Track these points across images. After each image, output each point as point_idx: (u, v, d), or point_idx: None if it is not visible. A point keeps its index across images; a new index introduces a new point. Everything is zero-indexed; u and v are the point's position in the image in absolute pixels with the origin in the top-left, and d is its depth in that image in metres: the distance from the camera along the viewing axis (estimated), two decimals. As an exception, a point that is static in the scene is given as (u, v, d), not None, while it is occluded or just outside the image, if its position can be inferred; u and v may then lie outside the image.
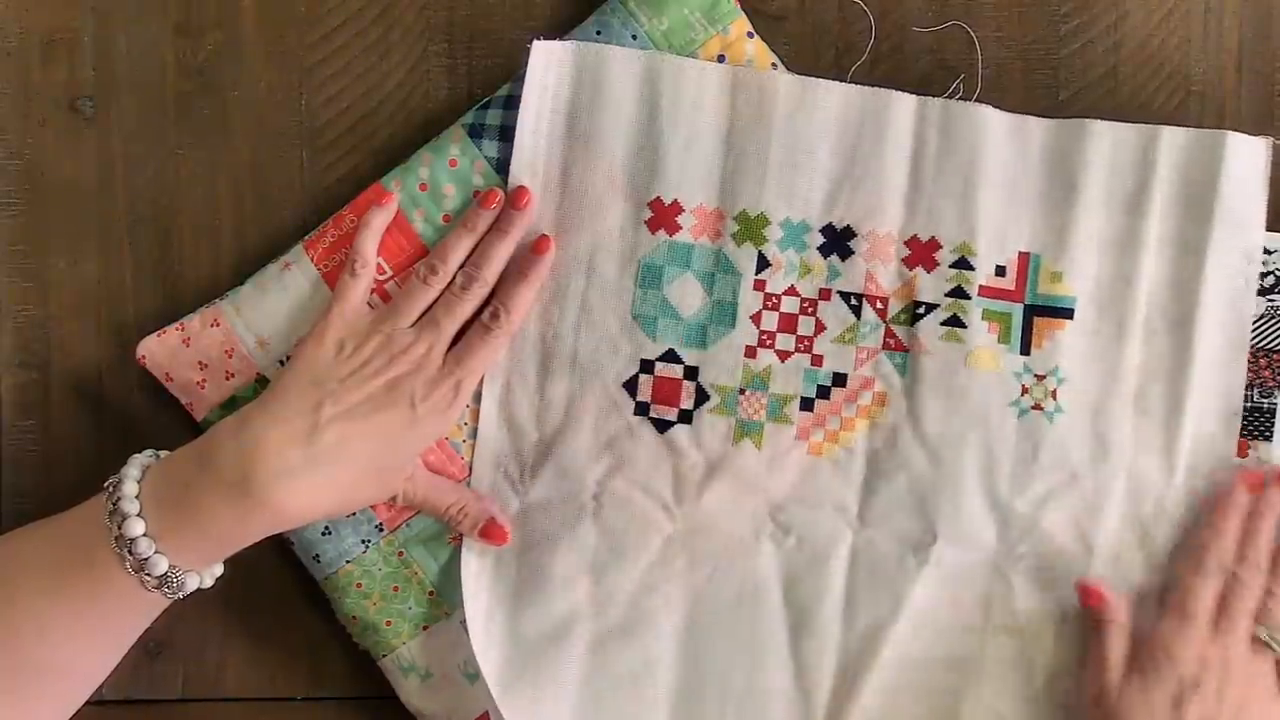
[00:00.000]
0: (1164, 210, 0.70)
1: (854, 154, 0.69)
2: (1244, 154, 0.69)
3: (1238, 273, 0.70)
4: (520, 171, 0.69)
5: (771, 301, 0.69)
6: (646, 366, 0.69)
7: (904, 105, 0.69)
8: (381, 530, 0.70)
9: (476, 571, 0.69)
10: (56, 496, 0.70)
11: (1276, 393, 0.70)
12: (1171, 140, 0.69)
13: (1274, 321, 0.70)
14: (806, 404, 0.69)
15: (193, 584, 0.64)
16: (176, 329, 0.70)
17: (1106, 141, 0.69)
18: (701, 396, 0.69)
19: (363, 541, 0.69)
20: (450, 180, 0.69)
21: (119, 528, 0.61)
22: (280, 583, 0.73)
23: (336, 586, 0.70)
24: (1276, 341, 0.70)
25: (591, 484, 0.69)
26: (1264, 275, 0.70)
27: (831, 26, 0.72)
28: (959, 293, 0.69)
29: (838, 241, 0.69)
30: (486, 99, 0.70)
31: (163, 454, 0.65)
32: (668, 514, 0.70)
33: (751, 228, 0.69)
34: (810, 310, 0.69)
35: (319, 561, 0.70)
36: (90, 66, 0.71)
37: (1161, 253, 0.70)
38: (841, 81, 0.69)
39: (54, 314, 0.72)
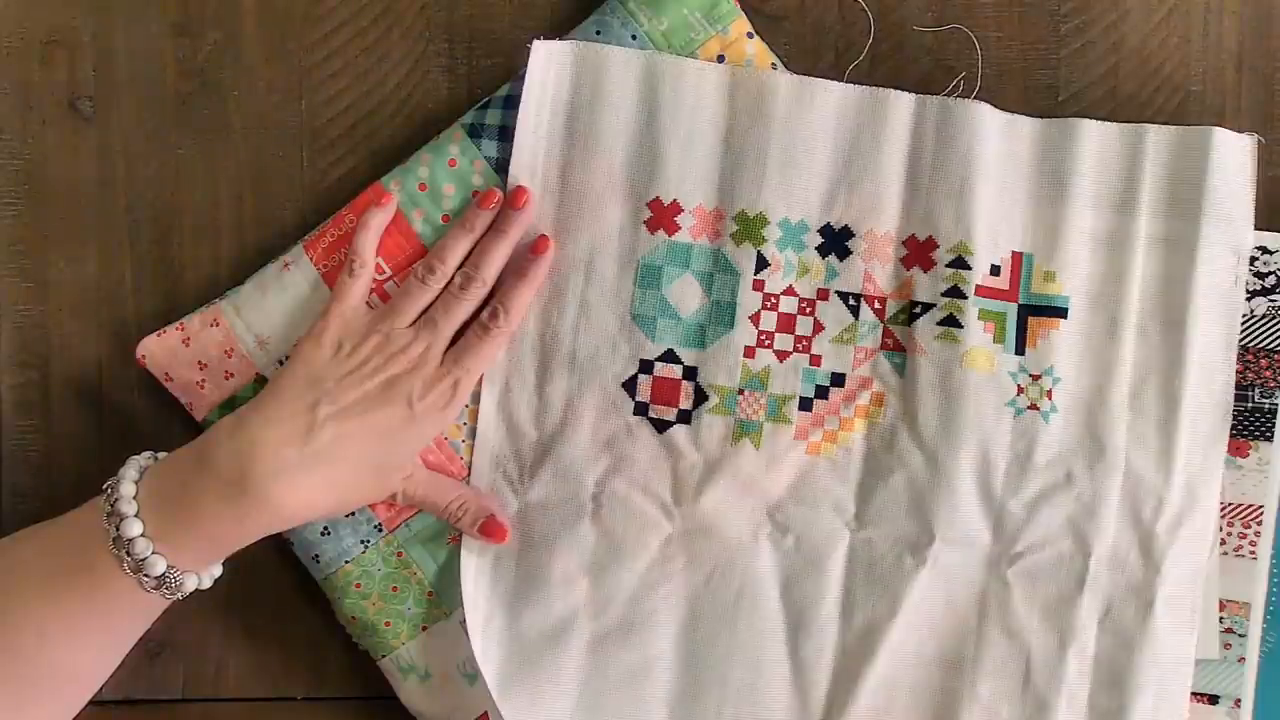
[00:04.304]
0: (1153, 208, 0.70)
1: (852, 154, 0.69)
2: (1230, 150, 0.69)
3: (1228, 269, 0.70)
4: (519, 171, 0.69)
5: (770, 301, 0.69)
6: (645, 366, 0.69)
7: (902, 104, 0.69)
8: (380, 530, 0.70)
9: (475, 572, 0.69)
10: (56, 496, 0.71)
11: (1277, 393, 0.70)
12: (1158, 138, 0.70)
13: (1274, 321, 0.70)
14: (805, 404, 0.69)
15: (191, 584, 0.64)
16: (176, 329, 0.70)
17: (1094, 140, 0.69)
18: (700, 397, 0.69)
19: (362, 542, 0.69)
20: (449, 180, 0.69)
21: (117, 529, 0.61)
22: (280, 583, 0.73)
23: (335, 587, 0.70)
24: (1277, 342, 0.70)
25: (590, 484, 0.69)
26: (1264, 275, 0.70)
27: (831, 26, 0.72)
28: (955, 292, 0.69)
29: (836, 241, 0.69)
30: (486, 99, 0.70)
31: (161, 455, 0.65)
32: (666, 514, 0.70)
33: (750, 227, 0.69)
34: (808, 310, 0.69)
35: (318, 562, 0.70)
36: (90, 66, 0.71)
37: (1152, 250, 0.70)
38: (840, 81, 0.69)
39: (54, 314, 0.72)
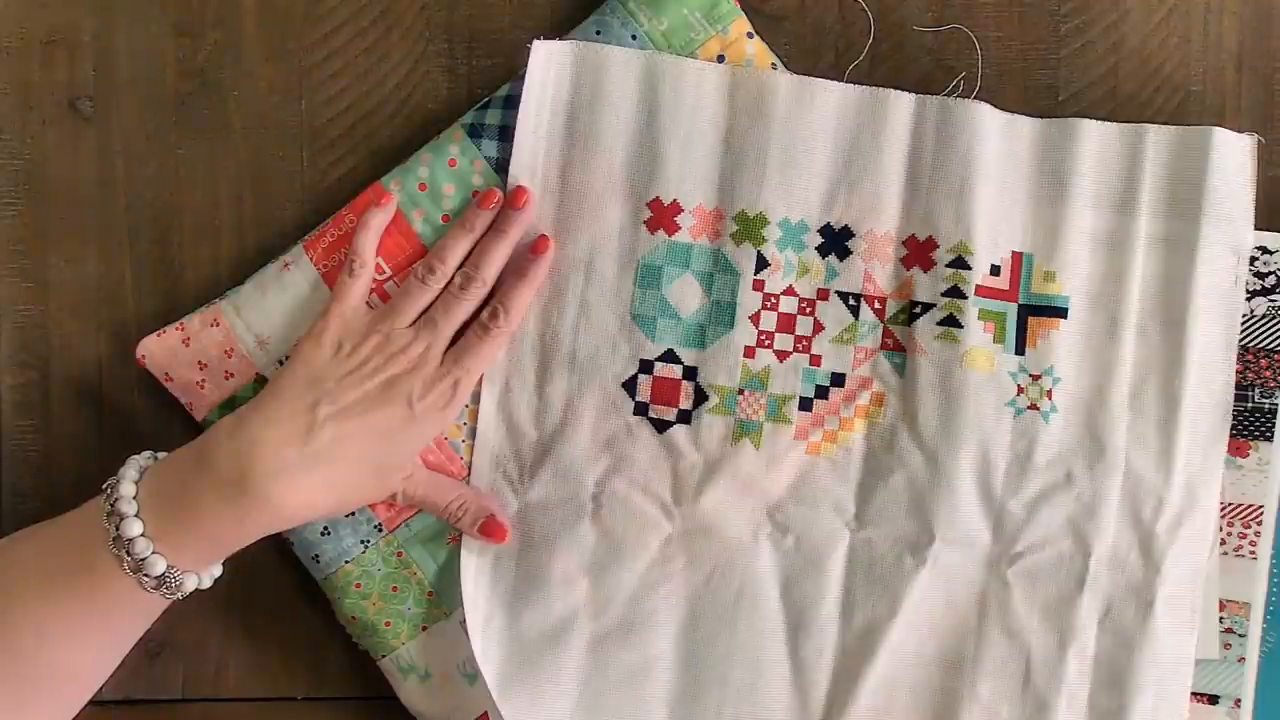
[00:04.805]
0: (1153, 208, 0.70)
1: (852, 154, 0.69)
2: (1230, 150, 0.69)
3: (1228, 269, 0.70)
4: (519, 171, 0.69)
5: (770, 301, 0.69)
6: (645, 366, 0.69)
7: (902, 104, 0.69)
8: (380, 530, 0.70)
9: (475, 572, 0.69)
10: (56, 496, 0.71)
11: (1277, 393, 0.70)
12: (1158, 138, 0.70)
13: (1274, 321, 0.70)
14: (805, 404, 0.69)
15: (191, 584, 0.64)
16: (176, 329, 0.70)
17: (1094, 140, 0.70)
18: (700, 397, 0.69)
19: (362, 542, 0.69)
20: (449, 180, 0.69)
21: (117, 528, 0.61)
22: (280, 583, 0.73)
23: (335, 587, 0.70)
24: (1277, 342, 0.70)
25: (590, 484, 0.69)
26: (1264, 275, 0.70)
27: (831, 26, 0.72)
28: (955, 292, 0.69)
29: (836, 241, 0.69)
30: (486, 99, 0.70)
31: (161, 455, 0.65)
32: (666, 514, 0.70)
33: (750, 227, 0.69)
34: (808, 310, 0.69)
35: (318, 562, 0.70)
36: (90, 66, 0.71)
37: (1152, 251, 0.70)
38: (840, 81, 0.69)
39: (54, 314, 0.72)
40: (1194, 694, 0.71)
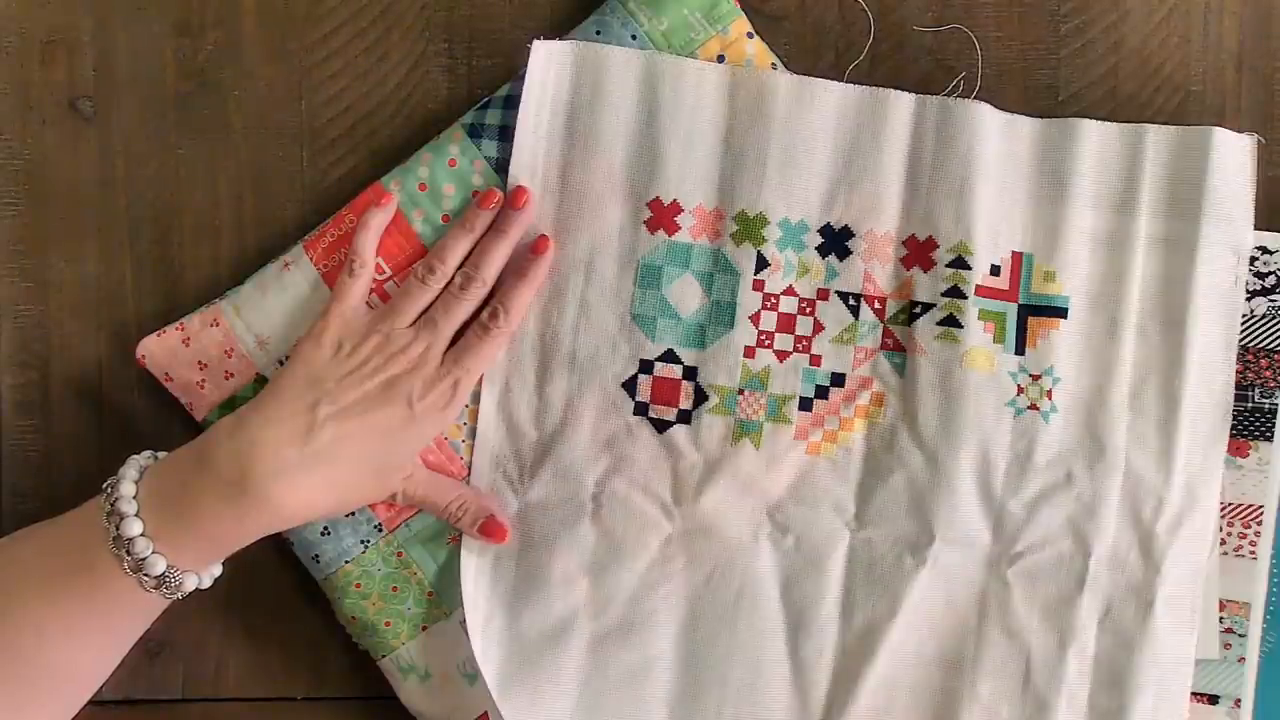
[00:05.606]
0: (1153, 208, 0.70)
1: (852, 154, 0.69)
2: (1230, 150, 0.69)
3: (1228, 269, 0.70)
4: (519, 171, 0.69)
5: (770, 301, 0.69)
6: (645, 366, 0.69)
7: (902, 104, 0.69)
8: (381, 530, 0.70)
9: (475, 572, 0.69)
10: (56, 496, 0.70)
11: (1277, 393, 0.71)
12: (1158, 138, 0.70)
13: (1274, 321, 0.71)
14: (805, 404, 0.69)
15: (191, 584, 0.64)
16: (176, 329, 0.70)
17: (1094, 140, 0.70)
18: (700, 397, 0.69)
19: (362, 542, 0.69)
20: (449, 180, 0.69)
21: (117, 528, 0.61)
22: (280, 583, 0.73)
23: (335, 587, 0.70)
24: (1277, 342, 0.70)
25: (590, 484, 0.69)
26: (1264, 275, 0.70)
27: (831, 26, 0.72)
28: (955, 292, 0.69)
29: (836, 241, 0.69)
30: (486, 99, 0.70)
31: (161, 455, 0.65)
32: (666, 514, 0.70)
33: (750, 227, 0.69)
34: (808, 310, 0.69)
35: (318, 562, 0.70)
36: (90, 66, 0.71)
37: (1152, 251, 0.70)
38: (840, 81, 0.69)
39: (54, 314, 0.72)
40: (1194, 694, 0.71)
